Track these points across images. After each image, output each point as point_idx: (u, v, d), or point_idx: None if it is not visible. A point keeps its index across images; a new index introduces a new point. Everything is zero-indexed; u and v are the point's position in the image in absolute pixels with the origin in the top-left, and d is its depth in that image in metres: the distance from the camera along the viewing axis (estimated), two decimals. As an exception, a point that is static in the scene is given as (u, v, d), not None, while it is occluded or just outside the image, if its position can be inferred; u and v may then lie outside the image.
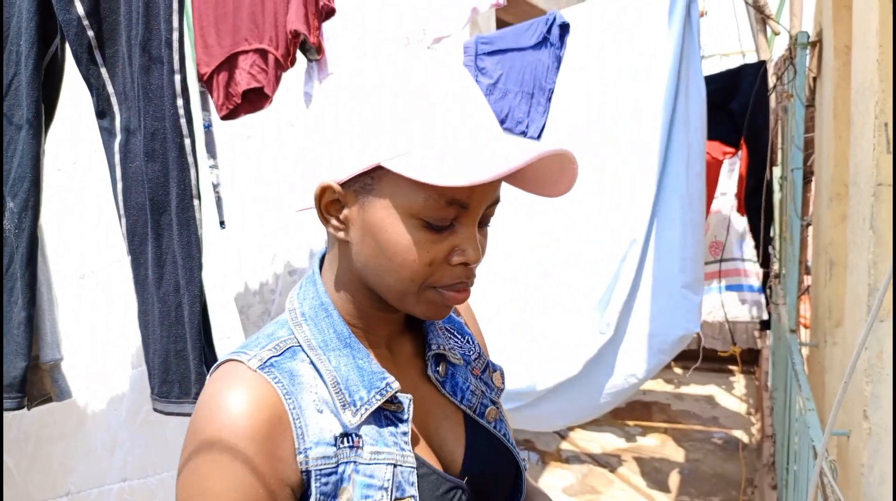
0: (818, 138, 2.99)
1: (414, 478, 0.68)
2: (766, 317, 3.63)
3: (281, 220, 2.43)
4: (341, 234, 0.69)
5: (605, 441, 4.22)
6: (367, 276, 0.69)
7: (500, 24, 3.94)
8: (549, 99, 2.38)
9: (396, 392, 0.69)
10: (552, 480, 3.69)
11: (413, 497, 0.67)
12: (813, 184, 3.04)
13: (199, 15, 1.70)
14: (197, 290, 1.15)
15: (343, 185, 0.66)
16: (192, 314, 1.15)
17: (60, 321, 1.47)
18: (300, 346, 0.69)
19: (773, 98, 3.18)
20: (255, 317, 2.63)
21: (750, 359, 5.23)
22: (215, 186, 1.69)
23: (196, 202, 1.14)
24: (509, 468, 0.80)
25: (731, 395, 4.97)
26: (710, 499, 3.48)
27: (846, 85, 2.23)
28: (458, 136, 0.63)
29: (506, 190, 0.73)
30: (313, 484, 0.64)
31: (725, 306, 3.69)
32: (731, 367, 5.30)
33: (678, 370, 5.45)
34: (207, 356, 1.19)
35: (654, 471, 3.78)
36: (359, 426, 0.67)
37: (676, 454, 4.01)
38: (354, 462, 0.66)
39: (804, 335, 3.43)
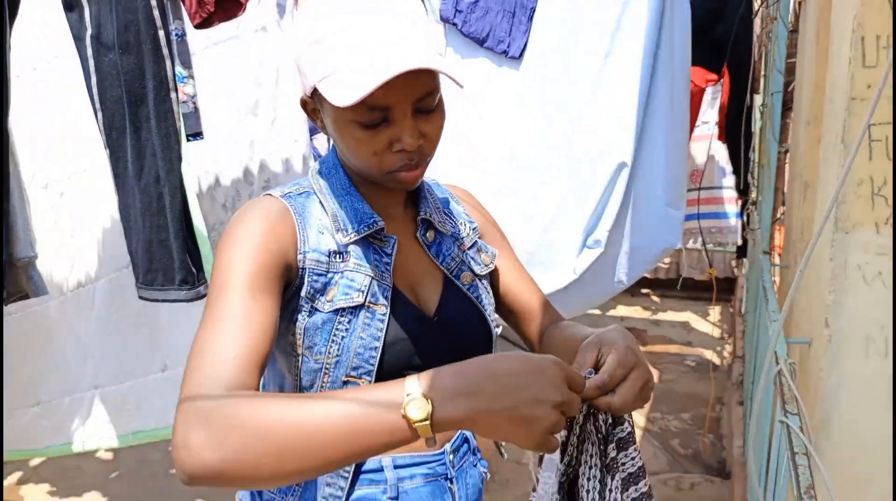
0: (800, 62, 2.98)
1: (389, 294, 0.87)
2: (740, 243, 3.71)
3: (254, 131, 2.30)
4: (327, 133, 0.87)
5: (582, 365, 4.35)
6: (347, 161, 0.89)
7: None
8: (531, 18, 2.35)
9: (382, 229, 0.88)
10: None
11: (385, 306, 0.86)
12: (793, 110, 3.06)
13: (171, -83, 1.63)
14: (177, 180, 1.16)
15: (311, 97, 0.84)
16: (173, 203, 1.17)
17: (33, 220, 1.46)
18: (314, 192, 0.90)
19: (757, 23, 3.15)
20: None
21: (727, 288, 5.35)
22: (191, 97, 1.68)
23: (173, 95, 1.14)
24: (479, 325, 0.95)
25: (707, 321, 5.12)
26: (681, 416, 3.64)
27: (829, 8, 2.23)
28: (355, 60, 0.76)
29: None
30: (307, 279, 0.84)
31: (704, 234, 3.76)
32: (708, 296, 5.43)
33: (656, 298, 5.58)
34: (190, 246, 1.22)
35: (628, 392, 3.92)
36: (347, 246, 0.86)
37: (650, 375, 4.16)
38: (342, 272, 0.85)
39: (777, 259, 3.52)
